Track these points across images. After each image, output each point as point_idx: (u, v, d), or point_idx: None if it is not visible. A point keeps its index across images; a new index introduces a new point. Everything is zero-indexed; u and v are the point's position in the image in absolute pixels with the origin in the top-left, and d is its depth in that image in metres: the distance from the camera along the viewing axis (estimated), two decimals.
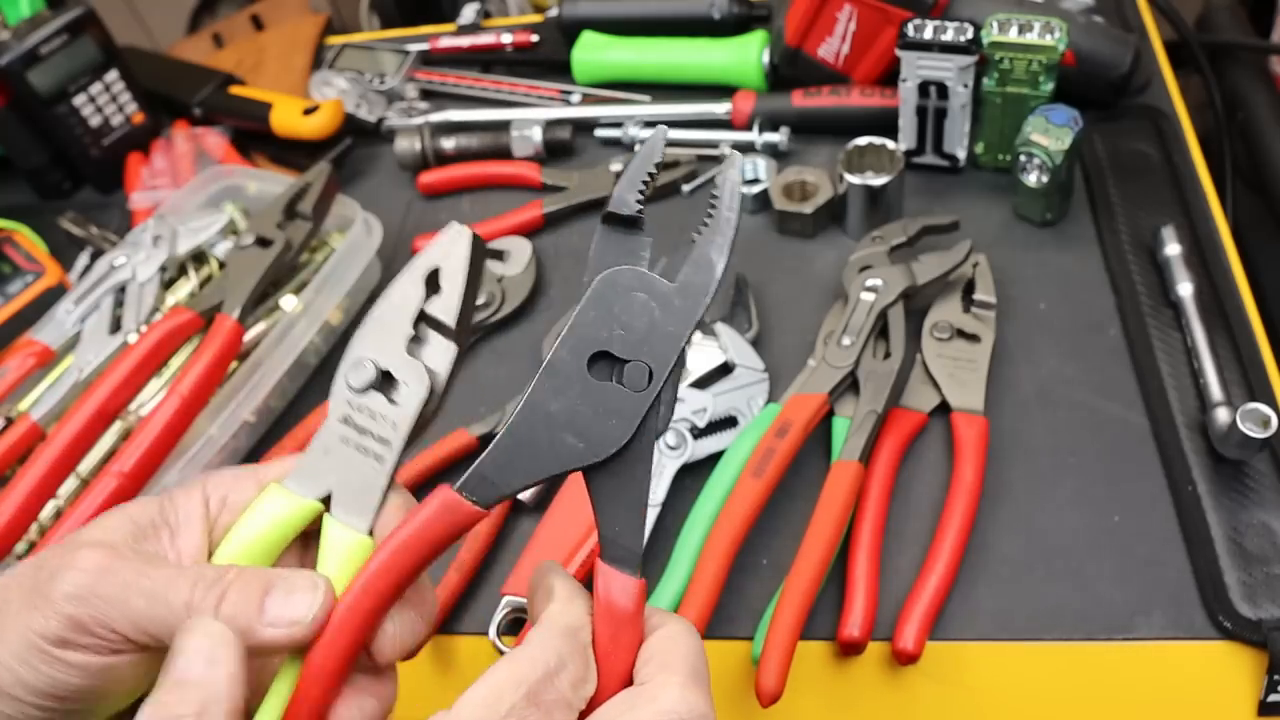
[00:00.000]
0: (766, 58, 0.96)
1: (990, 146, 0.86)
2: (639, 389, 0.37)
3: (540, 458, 0.37)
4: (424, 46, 1.10)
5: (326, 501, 0.39)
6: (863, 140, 0.83)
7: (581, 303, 0.37)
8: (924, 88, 0.82)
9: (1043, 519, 0.66)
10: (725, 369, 0.75)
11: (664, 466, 0.68)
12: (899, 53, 0.81)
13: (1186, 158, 0.85)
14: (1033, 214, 0.83)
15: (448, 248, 0.39)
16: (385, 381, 0.39)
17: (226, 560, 0.38)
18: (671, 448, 0.69)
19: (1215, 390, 0.67)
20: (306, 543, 0.41)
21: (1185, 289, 0.73)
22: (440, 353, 0.39)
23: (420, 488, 0.73)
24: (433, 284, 0.40)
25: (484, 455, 0.37)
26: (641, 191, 0.38)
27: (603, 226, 0.39)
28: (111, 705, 0.37)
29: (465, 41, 1.10)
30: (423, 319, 0.40)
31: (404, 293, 0.40)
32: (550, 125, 0.97)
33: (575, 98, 1.02)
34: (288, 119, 1.00)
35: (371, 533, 0.39)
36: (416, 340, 0.40)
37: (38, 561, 0.36)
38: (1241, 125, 0.97)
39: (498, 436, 0.37)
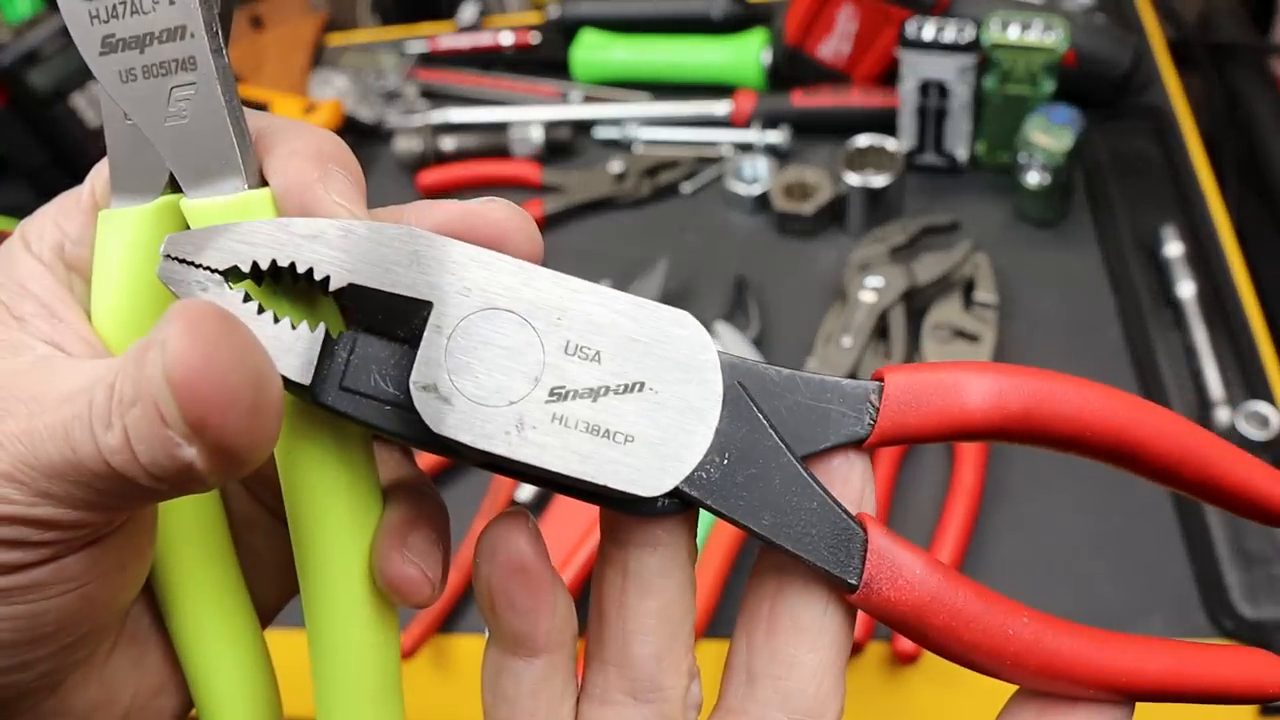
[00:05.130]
0: (766, 57, 0.96)
1: (992, 146, 0.86)
2: None
3: None
4: (424, 47, 1.10)
5: (175, 186, 0.27)
6: (863, 140, 0.83)
7: None
8: (924, 88, 0.82)
9: (1043, 520, 0.66)
10: None
11: None
12: (899, 52, 0.81)
13: (1186, 158, 0.85)
14: (1033, 214, 0.82)
15: None
16: None
17: (109, 320, 0.28)
18: None
19: (1215, 390, 0.67)
20: None
21: (1186, 289, 0.73)
22: None
23: None
24: None
25: None
26: None
27: None
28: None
29: (465, 41, 1.10)
30: None
31: None
32: (550, 125, 0.97)
33: (575, 98, 1.02)
34: None
35: (265, 184, 0.26)
36: None
37: None
38: (1242, 125, 0.97)
39: None
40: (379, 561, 0.27)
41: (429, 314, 0.24)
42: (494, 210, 0.25)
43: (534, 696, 0.26)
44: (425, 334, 0.24)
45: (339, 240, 0.24)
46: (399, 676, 0.28)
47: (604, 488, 0.24)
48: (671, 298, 0.82)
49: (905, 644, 0.60)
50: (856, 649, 0.61)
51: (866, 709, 0.62)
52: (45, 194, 1.15)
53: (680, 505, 0.25)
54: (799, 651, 0.25)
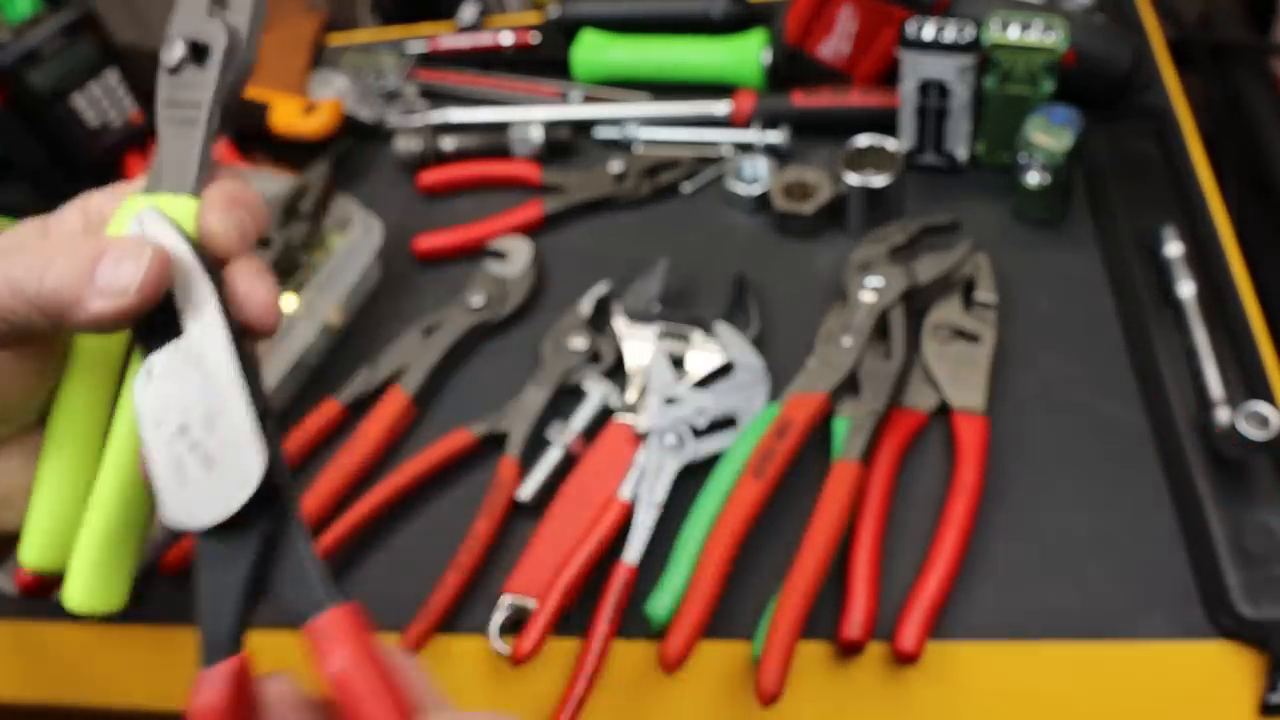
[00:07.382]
0: (766, 57, 0.96)
1: (992, 146, 0.86)
2: None
3: None
4: (424, 47, 1.10)
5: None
6: (863, 140, 0.83)
7: None
8: (924, 88, 0.82)
9: (1043, 519, 0.66)
10: (725, 369, 0.75)
11: (664, 467, 0.68)
12: (899, 52, 0.81)
13: (1186, 158, 0.85)
14: (1033, 214, 0.83)
15: None
16: (196, 53, 0.41)
17: None
18: (671, 448, 0.69)
19: (1215, 390, 0.67)
20: None
21: (1186, 289, 0.73)
22: (239, 8, 0.41)
23: (421, 487, 0.73)
24: None
25: None
26: None
27: None
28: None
29: (465, 41, 1.10)
30: None
31: None
32: (550, 125, 0.97)
33: (575, 98, 1.02)
34: (287, 119, 1.00)
35: (198, 195, 0.39)
36: (218, 3, 0.41)
37: None
38: (1242, 125, 0.97)
39: None
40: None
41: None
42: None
43: None
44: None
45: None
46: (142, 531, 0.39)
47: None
48: (671, 297, 0.82)
49: (905, 644, 0.60)
50: (856, 649, 0.61)
51: (866, 709, 0.62)
52: (45, 194, 1.16)
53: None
54: None
